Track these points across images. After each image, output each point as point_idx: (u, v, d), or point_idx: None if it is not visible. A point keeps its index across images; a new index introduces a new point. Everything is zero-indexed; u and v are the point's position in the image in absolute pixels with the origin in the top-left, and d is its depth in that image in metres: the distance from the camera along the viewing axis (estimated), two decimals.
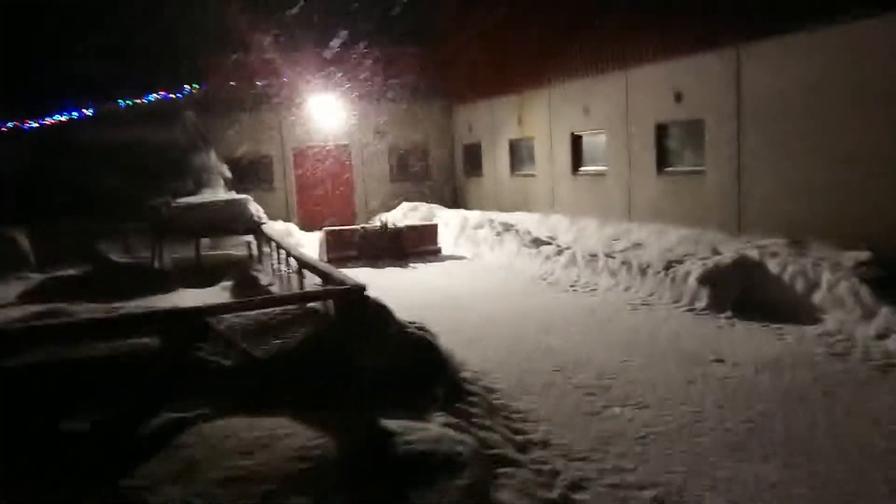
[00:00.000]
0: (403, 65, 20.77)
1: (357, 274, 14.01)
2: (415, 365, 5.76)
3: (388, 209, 20.64)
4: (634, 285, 10.87)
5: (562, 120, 17.02)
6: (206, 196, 14.59)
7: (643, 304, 10.03)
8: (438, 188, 22.08)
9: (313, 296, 6.74)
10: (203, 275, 12.20)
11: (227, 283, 12.00)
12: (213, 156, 18.20)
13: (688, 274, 10.11)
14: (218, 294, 11.50)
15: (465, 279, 13.10)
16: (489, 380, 7.01)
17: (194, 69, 18.89)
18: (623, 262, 11.45)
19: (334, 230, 16.34)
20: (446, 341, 6.80)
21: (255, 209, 13.80)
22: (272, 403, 4.79)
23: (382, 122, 21.23)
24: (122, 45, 18.25)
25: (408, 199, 20.70)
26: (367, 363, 5.47)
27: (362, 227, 16.19)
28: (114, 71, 17.85)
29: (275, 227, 18.56)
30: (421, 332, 6.32)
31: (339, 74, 20.43)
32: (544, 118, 17.70)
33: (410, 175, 22.15)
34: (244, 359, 5.36)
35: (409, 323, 6.49)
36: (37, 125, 17.95)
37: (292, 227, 19.17)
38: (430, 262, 15.35)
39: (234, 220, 13.13)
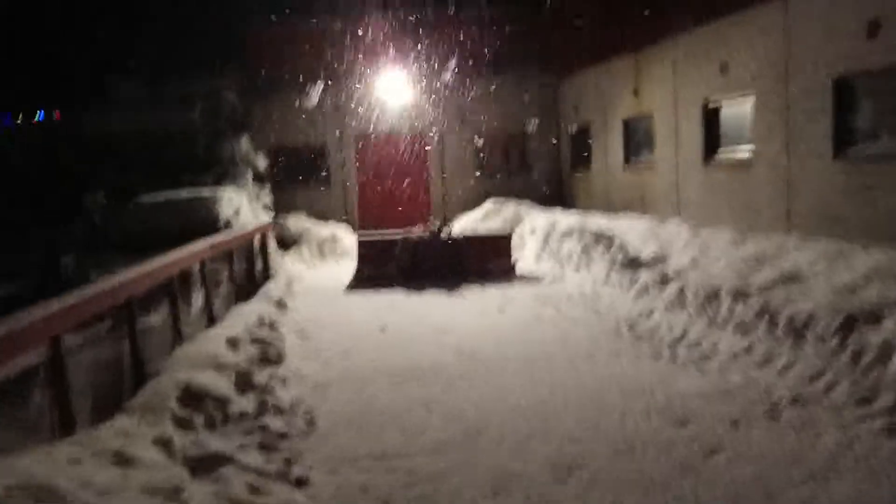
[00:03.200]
0: (494, 31, 16.40)
1: (368, 302, 9.98)
2: None
3: (473, 208, 16.45)
4: (781, 356, 6.00)
5: (690, 84, 12.02)
6: (172, 193, 11.14)
7: (793, 404, 5.19)
8: (537, 184, 17.55)
9: None
10: None
11: None
12: (243, 144, 14.87)
13: (889, 348, 5.16)
14: None
15: (519, 319, 8.66)
16: None
17: (234, 41, 15.63)
18: (763, 311, 6.57)
19: (369, 240, 12.37)
20: None
21: (228, 209, 10.17)
22: None
23: (467, 103, 17.03)
24: (140, 14, 15.33)
25: (496, 197, 16.39)
26: None
27: (404, 237, 12.08)
28: (128, 44, 14.99)
29: (320, 232, 14.94)
30: None
31: (414, 45, 16.46)
32: (667, 84, 12.76)
33: (501, 168, 17.79)
34: None
35: None
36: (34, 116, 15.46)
37: (341, 232, 15.47)
38: (494, 285, 11.00)
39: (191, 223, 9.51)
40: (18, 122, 15.23)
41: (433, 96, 16.97)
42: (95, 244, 10.06)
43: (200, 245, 8.02)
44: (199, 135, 14.12)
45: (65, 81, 14.02)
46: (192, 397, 5.03)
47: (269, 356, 6.70)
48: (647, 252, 9.54)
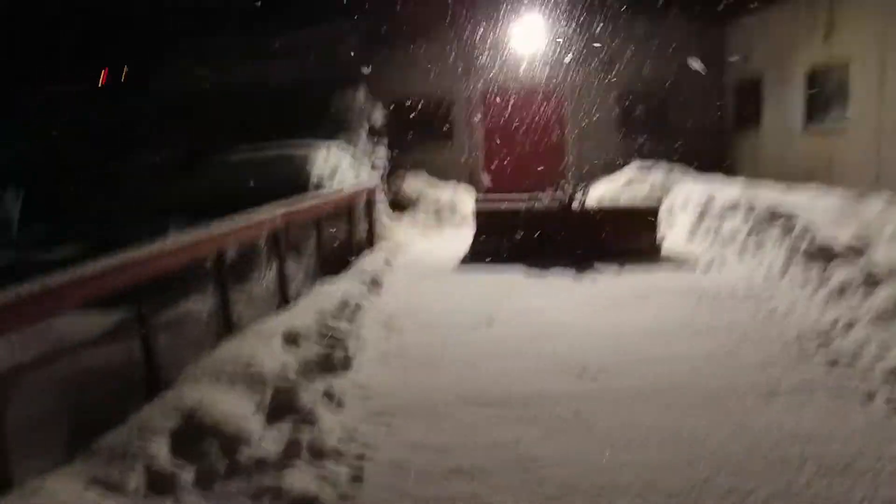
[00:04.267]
0: None
1: (479, 284, 8.32)
2: None
3: (613, 173, 14.32)
4: None
5: None
6: (257, 151, 9.83)
7: None
8: (691, 146, 15.05)
9: None
10: None
11: None
12: (359, 98, 13.48)
13: None
14: None
15: (664, 321, 6.70)
16: None
17: None
18: None
19: (488, 208, 10.66)
20: None
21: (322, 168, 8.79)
22: None
23: (610, 53, 14.79)
24: None
25: (641, 161, 14.16)
26: None
27: (528, 206, 10.28)
28: None
29: (438, 195, 13.42)
30: None
31: None
32: (872, 21, 10.04)
33: (648, 127, 15.41)
34: None
35: None
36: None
37: (462, 196, 13.85)
38: (633, 268, 9.05)
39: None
40: (104, 82, 14.59)
41: (571, 46, 14.83)
42: (169, 206, 9.02)
43: (271, 210, 6.65)
44: (311, 88, 12.87)
45: (155, 37, 13.14)
46: (193, 435, 3.61)
47: (334, 360, 5.22)
48: (842, 239, 7.22)
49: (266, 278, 6.93)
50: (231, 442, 3.66)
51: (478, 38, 14.78)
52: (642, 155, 14.56)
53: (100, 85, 14.85)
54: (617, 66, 14.89)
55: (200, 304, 5.87)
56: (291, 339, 5.37)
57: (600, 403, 4.72)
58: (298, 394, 4.41)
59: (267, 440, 3.85)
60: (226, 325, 5.51)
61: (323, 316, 6.16)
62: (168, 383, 4.26)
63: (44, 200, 10.22)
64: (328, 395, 4.58)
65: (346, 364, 5.24)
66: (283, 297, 6.67)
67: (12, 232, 9.49)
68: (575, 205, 10.17)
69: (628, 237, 9.97)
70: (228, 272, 6.23)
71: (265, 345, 5.02)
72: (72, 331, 5.03)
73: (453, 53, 14.82)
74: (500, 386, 5.08)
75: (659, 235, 10.10)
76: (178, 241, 4.89)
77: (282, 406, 4.25)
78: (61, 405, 3.83)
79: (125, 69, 13.90)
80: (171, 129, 11.42)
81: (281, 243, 6.79)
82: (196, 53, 13.04)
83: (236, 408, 3.97)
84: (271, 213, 6.63)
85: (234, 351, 4.79)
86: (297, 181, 8.50)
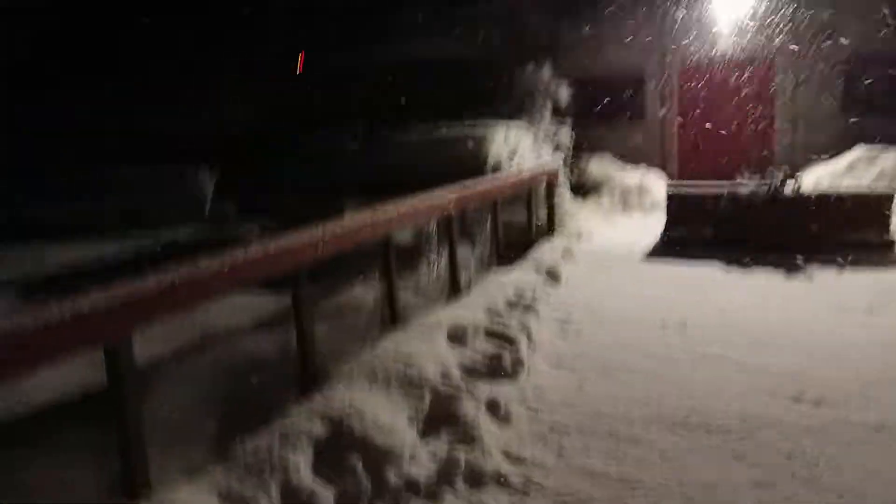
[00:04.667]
0: None
1: (670, 278, 7.42)
2: None
3: (833, 157, 12.53)
4: None
5: None
6: (431, 130, 9.39)
7: None
8: None
9: None
10: None
11: None
12: (544, 74, 12.75)
13: None
14: None
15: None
16: None
17: None
18: None
19: (682, 192, 9.59)
20: None
21: (500, 148, 8.21)
22: None
23: (831, 18, 12.90)
24: None
25: (869, 144, 12.25)
26: None
27: (731, 191, 9.09)
28: None
29: (626, 179, 12.47)
30: None
31: None
32: None
33: (879, 103, 13.29)
34: None
35: None
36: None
37: (652, 180, 12.75)
38: (859, 267, 7.71)
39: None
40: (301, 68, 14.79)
41: (783, 10, 13.11)
42: (338, 185, 8.93)
43: (444, 193, 6.22)
44: (493, 64, 12.37)
45: (333, 15, 13.06)
46: (339, 447, 3.22)
47: (502, 363, 4.67)
48: None
49: (436, 266, 6.54)
50: (379, 458, 3.22)
51: (673, 6, 13.49)
52: (869, 137, 12.59)
53: (298, 72, 15.31)
54: (840, 34, 12.96)
55: (365, 292, 5.56)
56: (457, 335, 4.90)
57: (829, 441, 3.78)
58: (459, 403, 3.91)
59: (419, 458, 3.39)
60: (391, 316, 5.14)
61: (494, 310, 5.65)
62: (321, 380, 3.93)
63: (237, 178, 10.60)
64: (493, 406, 4.04)
65: (515, 368, 4.67)
66: (454, 288, 6.23)
67: (204, 209, 9.94)
68: (787, 191, 8.86)
69: (852, 229, 8.53)
70: (396, 258, 5.90)
71: (428, 342, 4.59)
72: (223, 317, 4.90)
73: (645, 25, 13.65)
74: (695, 405, 4.28)
75: (892, 229, 8.55)
76: (342, 225, 4.56)
77: (440, 416, 3.77)
78: (207, 398, 3.63)
79: (302, 52, 14.12)
80: (351, 107, 11.44)
81: (453, 229, 6.35)
82: (377, 29, 12.94)
83: (389, 416, 3.54)
84: (443, 196, 6.20)
85: (395, 347, 4.39)
86: (473, 163, 8.05)
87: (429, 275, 6.47)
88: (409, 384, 3.93)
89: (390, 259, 5.14)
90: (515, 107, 12.07)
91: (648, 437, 3.87)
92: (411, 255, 6.69)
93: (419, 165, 8.02)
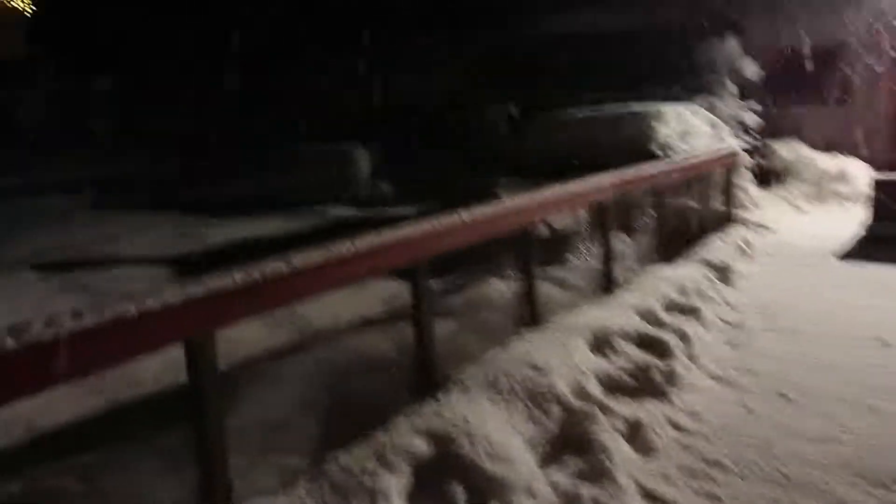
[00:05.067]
0: None
1: (872, 283, 6.32)
2: None
3: None
4: None
5: None
6: (594, 108, 8.53)
7: None
8: None
9: None
10: None
11: None
12: (729, 48, 11.50)
13: None
14: None
15: None
16: None
17: None
18: None
19: (891, 179, 8.18)
20: None
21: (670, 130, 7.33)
22: None
23: None
24: None
25: None
26: None
27: None
28: None
29: (821, 165, 11.04)
30: None
31: None
32: None
33: None
34: None
35: None
36: None
37: (852, 167, 11.14)
38: None
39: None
40: None
41: None
42: (490, 166, 8.43)
43: (599, 178, 5.57)
44: (669, 37, 11.32)
45: None
46: (441, 472, 2.79)
47: (651, 378, 4.02)
48: None
49: (587, 259, 5.92)
50: (487, 489, 2.75)
51: None
52: None
53: None
54: None
55: (503, 287, 5.08)
56: (601, 342, 4.29)
57: None
58: (594, 424, 3.34)
59: (537, 493, 2.87)
60: (531, 315, 4.63)
61: (648, 313, 4.96)
62: (437, 387, 3.52)
63: (398, 158, 10.47)
64: (634, 431, 3.43)
65: (667, 384, 4.00)
66: (605, 285, 5.59)
67: (359, 189, 9.88)
68: None
69: None
70: (544, 249, 5.37)
71: (565, 347, 4.03)
72: (346, 307, 4.62)
73: None
74: None
75: None
76: (476, 213, 4.11)
77: (566, 441, 3.23)
78: (306, 403, 3.33)
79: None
80: (512, 83, 10.90)
81: (607, 218, 5.69)
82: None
83: (506, 437, 3.05)
84: (599, 182, 5.56)
85: (527, 351, 3.88)
86: (638, 146, 7.28)
87: (579, 268, 5.87)
88: (536, 398, 3.42)
89: (530, 251, 4.62)
90: (694, 85, 10.99)
91: (839, 493, 3.08)
92: (561, 245, 6.12)
93: (579, 146, 7.38)
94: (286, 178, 9.84)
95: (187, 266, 6.27)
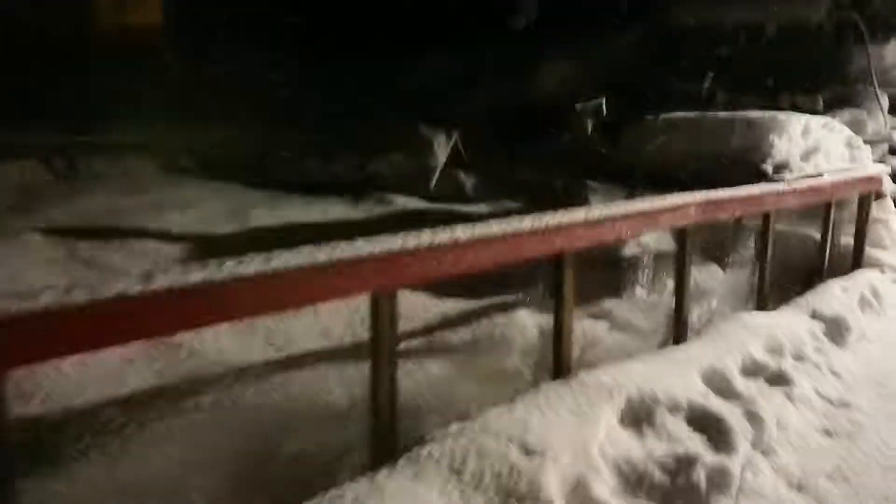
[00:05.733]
0: None
1: None
2: None
3: None
4: None
5: None
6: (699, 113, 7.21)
7: None
8: None
9: None
10: None
11: None
12: (889, 53, 9.73)
13: None
14: None
15: None
16: None
17: None
18: None
19: None
20: None
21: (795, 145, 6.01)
22: None
23: None
24: None
25: None
26: None
27: None
28: None
29: None
30: None
31: None
32: None
33: None
34: None
35: None
36: None
37: None
38: None
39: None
40: None
41: None
42: (582, 168, 7.35)
43: (682, 197, 4.45)
44: (809, 35, 9.69)
45: None
46: None
47: (695, 479, 2.95)
48: None
49: (658, 294, 4.81)
50: None
51: None
52: None
53: None
54: None
55: (530, 320, 4.10)
56: (638, 412, 3.26)
57: None
58: None
59: None
60: (555, 362, 3.64)
61: (717, 375, 3.84)
62: (387, 457, 2.64)
63: (480, 147, 9.57)
64: None
65: (714, 493, 2.92)
66: (675, 330, 4.48)
67: (430, 181, 9.04)
68: None
69: None
70: (601, 276, 4.37)
71: (583, 417, 3.04)
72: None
73: None
74: None
75: None
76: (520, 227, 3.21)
77: None
78: (200, 464, 2.54)
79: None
80: (615, 77, 9.69)
81: (687, 247, 4.56)
82: None
83: None
84: (681, 201, 4.44)
85: (522, 419, 2.92)
86: (748, 161, 6.01)
87: (645, 304, 4.78)
88: (510, 497, 2.46)
89: (565, 281, 3.61)
90: (836, 93, 9.38)
91: None
92: (628, 273, 5.03)
93: (675, 156, 6.23)
94: (356, 160, 9.18)
95: (208, 248, 5.70)
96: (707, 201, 4.60)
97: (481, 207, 8.46)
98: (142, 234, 5.98)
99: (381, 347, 2.77)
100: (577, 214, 3.55)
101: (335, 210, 7.95)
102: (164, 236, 5.95)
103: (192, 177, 9.61)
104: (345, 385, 3.34)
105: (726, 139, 6.30)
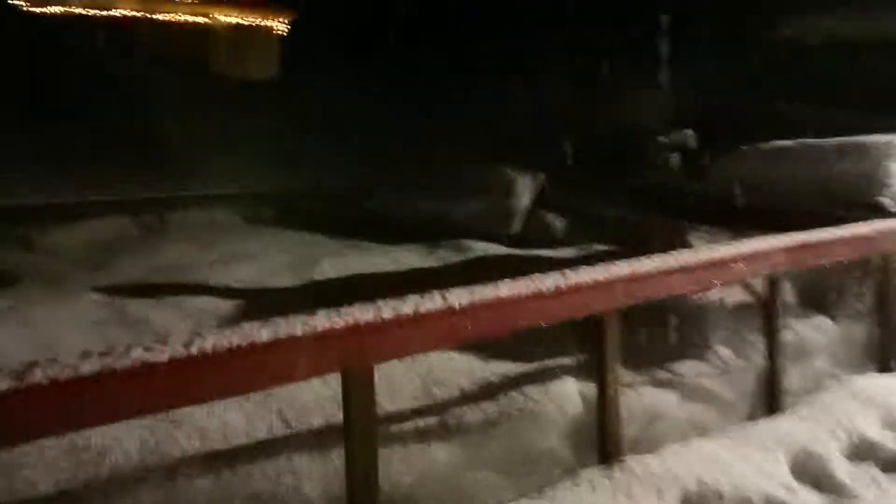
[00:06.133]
0: None
1: None
2: None
3: None
4: None
5: None
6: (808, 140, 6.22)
7: None
8: None
9: None
10: None
11: None
12: None
13: None
14: None
15: None
16: None
17: None
18: None
19: None
20: None
21: None
22: None
23: None
24: None
25: None
26: None
27: None
28: None
29: None
30: None
31: None
32: None
33: None
34: None
35: None
36: None
37: None
38: None
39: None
40: None
41: None
42: (665, 203, 6.60)
43: (766, 241, 3.74)
44: None
45: None
46: None
47: None
48: None
49: (747, 355, 4.07)
50: None
51: None
52: None
53: None
54: None
55: (576, 389, 3.49)
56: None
57: None
58: None
59: None
60: (601, 444, 3.03)
61: (812, 461, 3.10)
62: None
63: (565, 187, 8.97)
64: None
65: None
66: (766, 402, 3.73)
67: (512, 224, 8.47)
68: None
69: None
70: (671, 333, 3.75)
71: None
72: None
73: None
74: None
75: None
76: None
77: None
78: None
79: None
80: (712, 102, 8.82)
81: (776, 299, 3.82)
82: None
83: None
84: (765, 246, 3.74)
85: None
86: (858, 192, 5.12)
87: (728, 367, 4.04)
88: None
89: (607, 347, 3.01)
90: None
91: None
92: (705, 328, 4.30)
93: (773, 189, 5.44)
94: (435, 203, 8.81)
95: (259, 303, 5.45)
96: (799, 245, 3.86)
97: (568, 252, 7.85)
98: (198, 289, 5.84)
99: (355, 431, 2.32)
100: (620, 268, 2.97)
101: (409, 258, 7.60)
102: (220, 292, 5.78)
103: (272, 226, 9.59)
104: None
105: (829, 167, 5.43)
